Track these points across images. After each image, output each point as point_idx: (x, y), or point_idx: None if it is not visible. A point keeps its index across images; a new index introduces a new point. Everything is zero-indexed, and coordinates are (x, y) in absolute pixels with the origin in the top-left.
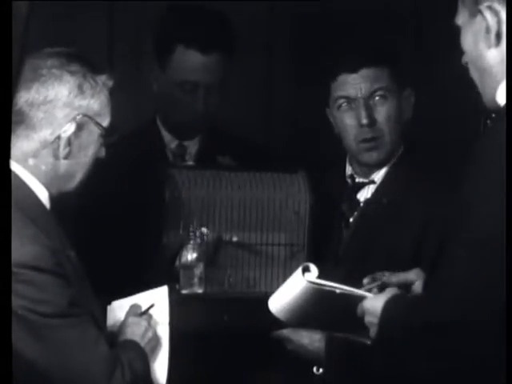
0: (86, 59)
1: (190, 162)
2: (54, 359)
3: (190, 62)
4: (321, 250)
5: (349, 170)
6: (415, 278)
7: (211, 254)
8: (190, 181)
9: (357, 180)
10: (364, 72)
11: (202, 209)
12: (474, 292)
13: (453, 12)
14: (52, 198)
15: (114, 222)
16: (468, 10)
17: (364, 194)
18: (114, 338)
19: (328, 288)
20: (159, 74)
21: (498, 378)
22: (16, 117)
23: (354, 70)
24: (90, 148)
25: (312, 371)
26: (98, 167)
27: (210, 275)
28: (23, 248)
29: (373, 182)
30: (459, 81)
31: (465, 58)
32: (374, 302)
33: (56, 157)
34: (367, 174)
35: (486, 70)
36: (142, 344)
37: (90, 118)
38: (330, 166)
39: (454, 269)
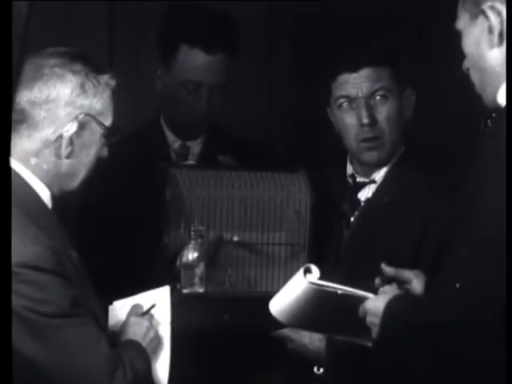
0: (88, 59)
1: (192, 162)
2: (55, 359)
3: (194, 61)
4: (321, 249)
5: (350, 169)
6: (412, 277)
7: (212, 254)
8: (190, 180)
9: (358, 180)
10: (365, 71)
11: (202, 208)
12: (475, 292)
13: (453, 11)
14: (54, 198)
15: (115, 222)
16: (468, 12)
17: (365, 194)
18: (116, 338)
19: (329, 289)
20: (163, 73)
21: (499, 378)
22: (18, 116)
23: (354, 70)
24: (92, 147)
25: (312, 371)
26: (100, 166)
27: (211, 275)
28: (25, 248)
29: (373, 181)
30: (460, 81)
31: (465, 64)
32: (375, 303)
33: (58, 156)
34: (368, 174)
35: (487, 71)
36: (144, 344)
37: (93, 117)
38: (331, 165)
39: (455, 269)
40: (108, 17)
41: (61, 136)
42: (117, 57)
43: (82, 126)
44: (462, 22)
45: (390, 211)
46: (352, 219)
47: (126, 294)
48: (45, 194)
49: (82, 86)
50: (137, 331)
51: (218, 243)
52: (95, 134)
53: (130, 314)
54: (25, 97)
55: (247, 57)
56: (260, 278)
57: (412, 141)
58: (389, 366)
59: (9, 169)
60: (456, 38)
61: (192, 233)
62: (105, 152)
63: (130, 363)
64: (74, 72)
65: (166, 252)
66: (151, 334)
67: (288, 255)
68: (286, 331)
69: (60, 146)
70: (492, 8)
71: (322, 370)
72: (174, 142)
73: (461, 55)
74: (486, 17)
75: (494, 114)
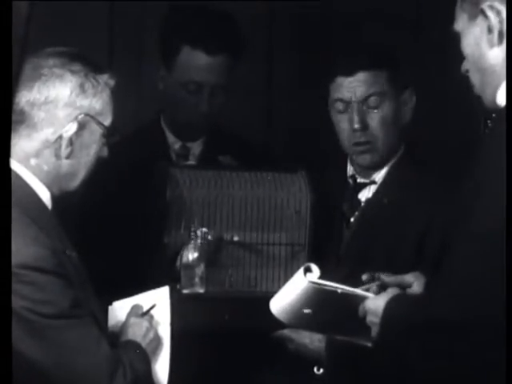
0: (87, 58)
1: (192, 162)
2: (55, 360)
3: (196, 62)
4: (322, 249)
5: (350, 170)
6: (412, 280)
7: (212, 254)
8: (191, 180)
9: (358, 180)
10: (360, 76)
11: (203, 208)
12: (476, 291)
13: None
14: (54, 198)
15: (115, 222)
16: (467, 13)
17: (365, 194)
18: (116, 339)
19: (330, 288)
20: (165, 74)
21: (499, 378)
22: (18, 117)
23: (350, 74)
24: (92, 147)
25: (312, 371)
26: (100, 167)
27: (211, 275)
28: (25, 249)
29: (374, 182)
30: (460, 81)
31: (465, 65)
32: (375, 302)
33: (58, 156)
34: (368, 175)
35: (487, 70)
36: (144, 344)
37: (92, 117)
38: (331, 165)
39: (456, 268)
40: (108, 17)
41: (60, 136)
42: (117, 57)
43: (81, 127)
44: (461, 23)
45: (390, 211)
46: (352, 219)
47: (125, 294)
48: (45, 195)
49: (82, 86)
50: (136, 332)
51: (218, 243)
52: (95, 134)
53: (129, 315)
54: (24, 97)
55: (247, 57)
56: (260, 278)
57: (412, 141)
58: (389, 365)
59: (9, 170)
60: (456, 36)
61: (193, 233)
62: (105, 152)
63: (130, 364)
64: (73, 72)
65: (166, 252)
66: (151, 335)
67: (288, 255)
68: (286, 331)
69: (60, 146)
70: (491, 7)
71: (321, 370)
72: (175, 143)
73: (460, 56)
74: (486, 16)
75: (494, 115)
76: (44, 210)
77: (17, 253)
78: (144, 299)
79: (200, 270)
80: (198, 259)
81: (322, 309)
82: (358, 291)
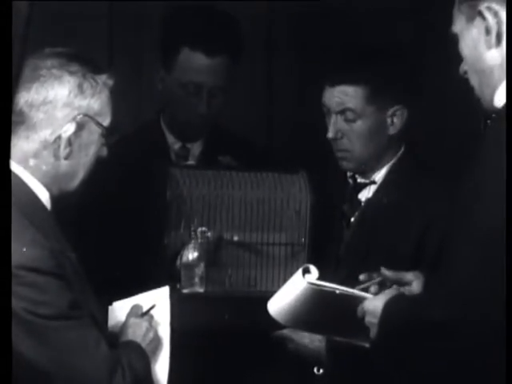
0: (86, 59)
1: (192, 162)
2: (54, 361)
3: (195, 63)
4: (321, 249)
5: None
6: (412, 279)
7: (212, 254)
8: (191, 180)
9: (358, 180)
10: (341, 88)
11: (203, 208)
12: (475, 291)
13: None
14: (53, 199)
15: (115, 222)
16: (465, 15)
17: (365, 194)
18: (115, 339)
19: (328, 289)
20: (164, 75)
21: (499, 378)
22: (16, 117)
23: (332, 84)
24: (91, 148)
25: (312, 371)
26: (100, 167)
27: (211, 275)
28: (23, 250)
29: (374, 182)
30: (459, 81)
31: (463, 67)
32: (374, 302)
33: (57, 157)
34: (368, 175)
35: (485, 72)
36: (143, 345)
37: (91, 117)
38: (331, 166)
39: (455, 269)
40: (108, 17)
41: (59, 137)
42: (117, 57)
43: (80, 127)
44: (459, 25)
45: (390, 211)
46: (352, 219)
47: (125, 294)
48: (44, 196)
49: (80, 87)
50: (136, 332)
51: (218, 243)
52: (94, 134)
53: (129, 315)
54: (23, 98)
55: (247, 57)
56: (260, 277)
57: (412, 141)
58: (388, 366)
59: (9, 171)
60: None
61: (193, 233)
62: (104, 152)
63: (130, 364)
64: (71, 73)
65: (166, 252)
66: (151, 335)
67: (288, 255)
68: (286, 331)
69: (58, 146)
70: (489, 9)
71: (321, 370)
72: (174, 144)
73: (459, 58)
74: (483, 18)
75: (493, 115)
76: (43, 211)
77: (15, 254)
78: (144, 299)
79: (200, 269)
80: (198, 259)
81: (320, 310)
82: (357, 292)
